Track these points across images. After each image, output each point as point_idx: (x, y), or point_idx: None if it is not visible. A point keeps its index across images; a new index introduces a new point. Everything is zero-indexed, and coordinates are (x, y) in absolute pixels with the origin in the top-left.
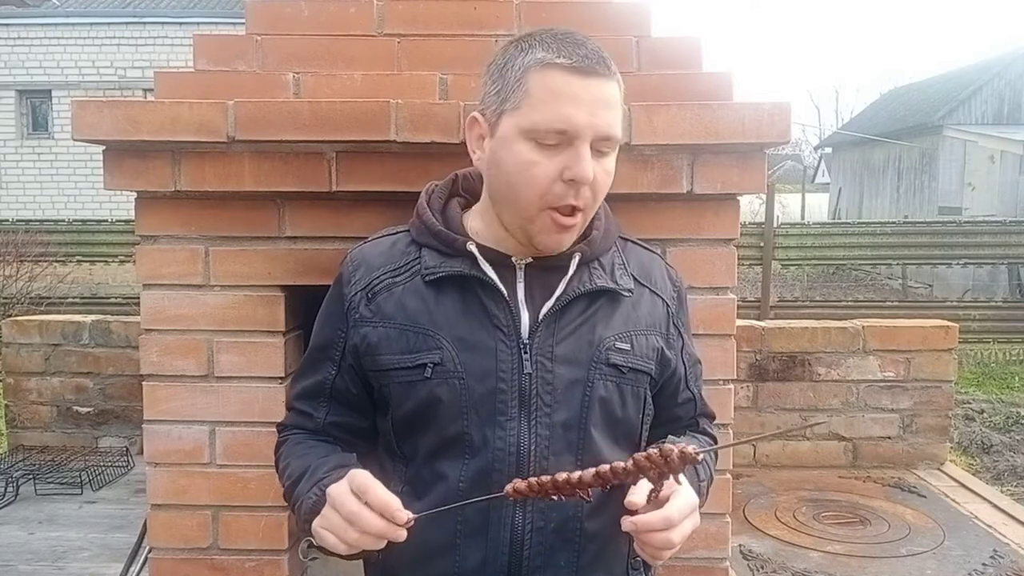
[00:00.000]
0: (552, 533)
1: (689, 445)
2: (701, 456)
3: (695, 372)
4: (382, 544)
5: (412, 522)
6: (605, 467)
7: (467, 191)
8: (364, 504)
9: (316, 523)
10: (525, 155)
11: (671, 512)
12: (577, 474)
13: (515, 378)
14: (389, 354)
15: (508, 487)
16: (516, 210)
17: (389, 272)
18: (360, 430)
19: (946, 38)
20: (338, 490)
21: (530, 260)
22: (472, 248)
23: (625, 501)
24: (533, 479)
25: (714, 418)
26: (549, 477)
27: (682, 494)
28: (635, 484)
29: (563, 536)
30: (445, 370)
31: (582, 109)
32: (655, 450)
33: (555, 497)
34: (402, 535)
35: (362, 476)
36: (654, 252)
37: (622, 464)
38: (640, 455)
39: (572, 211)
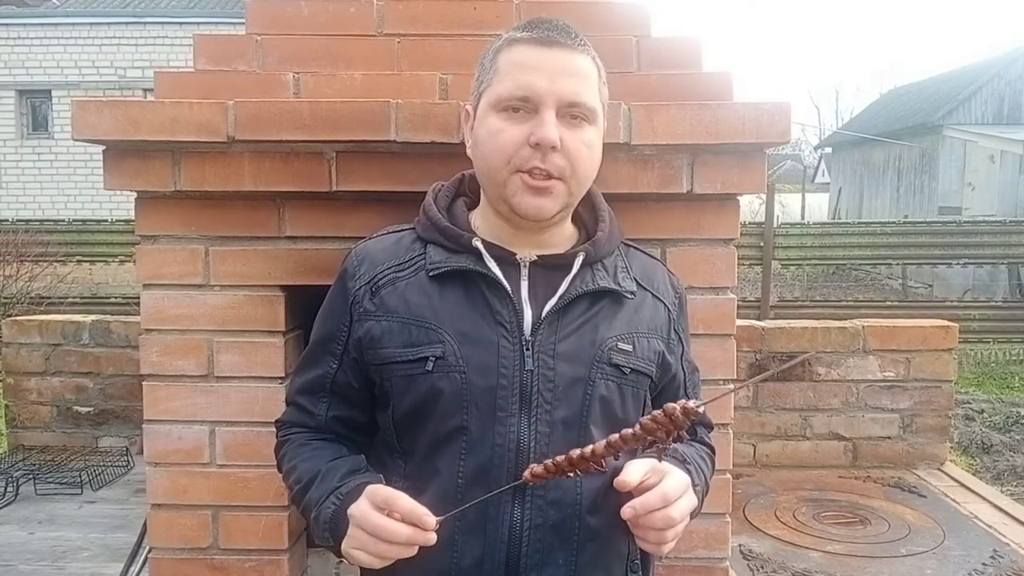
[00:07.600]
0: (550, 530)
1: (690, 402)
2: (702, 408)
3: (693, 380)
4: (413, 551)
5: (440, 525)
6: (615, 436)
7: (473, 192)
8: (388, 515)
9: (345, 545)
10: (495, 125)
11: (667, 488)
12: (589, 448)
13: (516, 374)
14: (391, 347)
15: (525, 473)
16: (492, 180)
17: (393, 267)
18: (361, 425)
19: (946, 38)
20: (360, 509)
21: (535, 258)
22: (478, 244)
23: (615, 482)
24: (548, 460)
25: (712, 427)
26: (564, 456)
27: (673, 473)
28: (645, 447)
29: (561, 534)
30: (447, 364)
31: (543, 76)
32: (659, 412)
33: (571, 474)
34: (432, 538)
35: (383, 491)
36: (657, 259)
37: (630, 430)
38: (645, 418)
39: (542, 175)
